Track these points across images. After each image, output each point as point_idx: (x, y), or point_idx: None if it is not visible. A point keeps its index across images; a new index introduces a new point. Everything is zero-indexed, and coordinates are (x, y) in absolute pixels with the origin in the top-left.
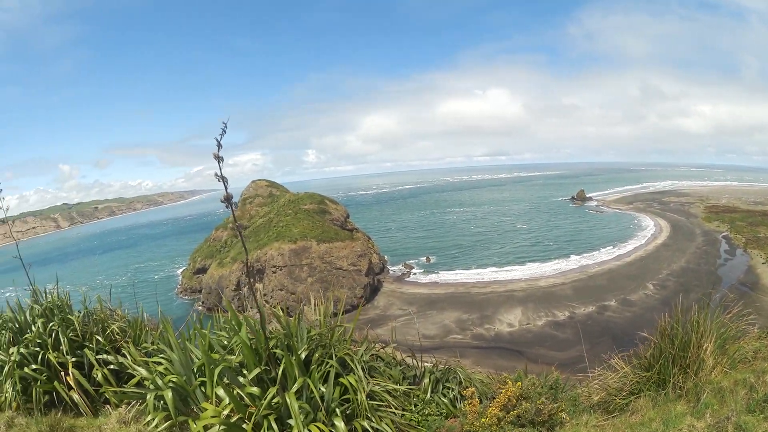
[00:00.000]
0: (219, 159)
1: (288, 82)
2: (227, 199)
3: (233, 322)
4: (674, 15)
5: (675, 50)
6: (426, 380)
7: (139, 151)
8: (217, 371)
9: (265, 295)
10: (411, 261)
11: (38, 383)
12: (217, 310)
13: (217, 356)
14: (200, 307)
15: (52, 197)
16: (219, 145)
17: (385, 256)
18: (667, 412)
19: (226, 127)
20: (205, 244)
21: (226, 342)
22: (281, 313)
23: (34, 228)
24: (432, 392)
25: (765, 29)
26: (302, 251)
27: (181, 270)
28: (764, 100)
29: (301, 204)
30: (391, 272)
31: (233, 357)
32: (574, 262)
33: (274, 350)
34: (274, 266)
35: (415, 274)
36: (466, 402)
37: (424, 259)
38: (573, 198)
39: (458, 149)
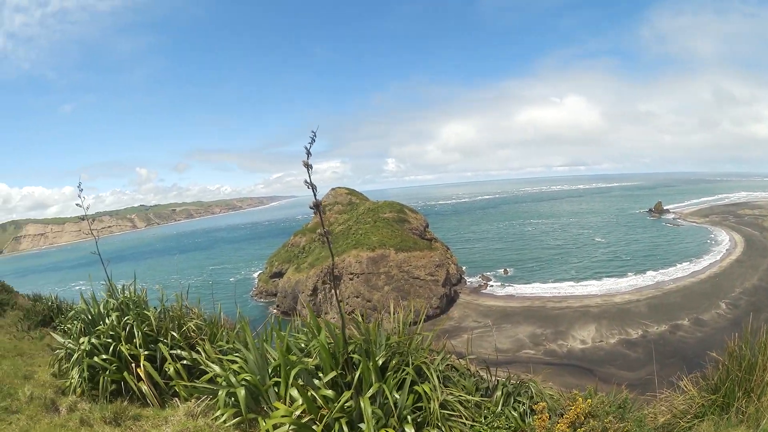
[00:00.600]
0: (308, 167)
1: (367, 91)
2: (316, 206)
3: (312, 326)
4: (738, 13)
5: (741, 50)
6: (498, 393)
7: (218, 157)
8: (293, 372)
9: (340, 301)
10: (488, 273)
11: (107, 372)
12: (292, 313)
13: (294, 358)
14: (275, 311)
15: (129, 198)
16: (308, 153)
17: (463, 267)
18: None
19: (315, 136)
20: (283, 249)
21: (303, 345)
22: (361, 319)
23: (109, 227)
24: (503, 405)
25: None
26: (380, 259)
27: (257, 273)
28: None
29: (380, 212)
30: (468, 283)
31: (309, 360)
32: (650, 278)
33: (352, 355)
34: (352, 273)
35: (491, 286)
36: (535, 417)
37: (501, 271)
38: (651, 210)
39: (538, 159)
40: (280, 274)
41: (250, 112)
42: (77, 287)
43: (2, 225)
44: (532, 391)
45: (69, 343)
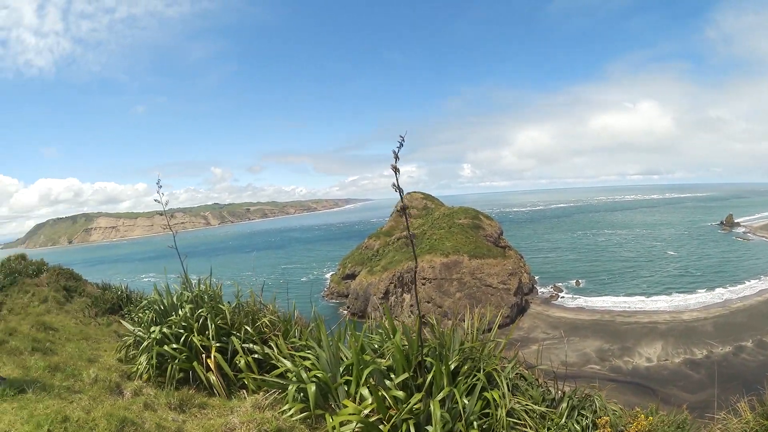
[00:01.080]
0: (396, 170)
1: (440, 96)
2: (403, 209)
3: (388, 327)
4: None
5: None
6: (564, 405)
7: (292, 159)
8: (366, 372)
9: (411, 305)
10: (560, 283)
11: (176, 361)
12: (363, 315)
13: (368, 357)
14: (345, 312)
15: (203, 197)
16: (396, 157)
17: (536, 277)
18: None
19: (403, 140)
20: (357, 251)
21: (376, 345)
22: (435, 323)
23: (183, 223)
24: (567, 418)
25: None
26: (453, 265)
27: (329, 274)
28: None
29: (455, 218)
30: (539, 293)
31: (383, 360)
32: (718, 295)
33: (426, 358)
34: (424, 278)
35: (563, 297)
36: (598, 431)
37: (573, 282)
38: (722, 223)
39: (612, 167)
40: (352, 276)
41: (324, 116)
42: (147, 279)
43: (73, 217)
44: (596, 406)
45: (139, 330)
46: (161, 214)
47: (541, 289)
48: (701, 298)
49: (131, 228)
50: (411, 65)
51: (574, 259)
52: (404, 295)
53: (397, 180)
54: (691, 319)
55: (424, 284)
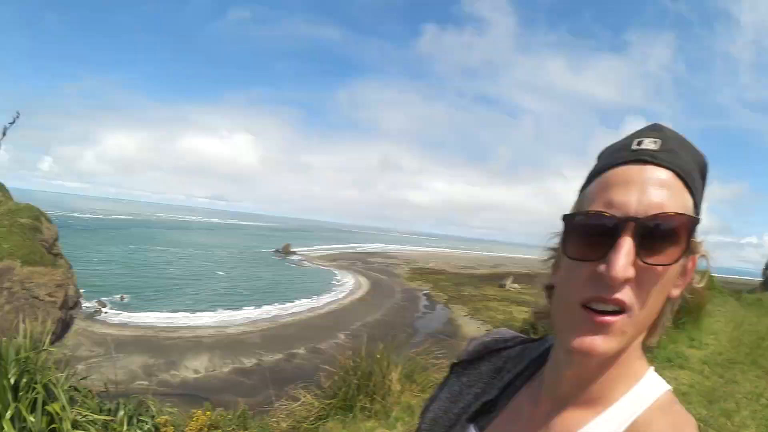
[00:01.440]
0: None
1: (59, 78)
2: None
3: None
4: (446, 102)
5: (431, 132)
6: (121, 413)
7: None
8: None
9: None
10: (105, 298)
11: None
12: None
13: None
14: None
15: None
16: (3, 134)
17: (81, 290)
18: (357, 429)
19: (18, 115)
20: None
21: None
22: None
23: None
24: (128, 425)
25: (532, 128)
26: (5, 272)
27: None
28: (504, 184)
29: (18, 216)
30: (83, 308)
31: None
32: (266, 311)
33: None
34: None
35: (106, 312)
36: (161, 429)
37: (118, 297)
38: (277, 250)
39: (183, 187)
40: None
41: None
42: None
43: None
44: (153, 411)
45: None
46: None
47: (86, 304)
48: (248, 314)
49: None
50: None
51: (123, 274)
52: None
53: None
54: (238, 332)
55: None
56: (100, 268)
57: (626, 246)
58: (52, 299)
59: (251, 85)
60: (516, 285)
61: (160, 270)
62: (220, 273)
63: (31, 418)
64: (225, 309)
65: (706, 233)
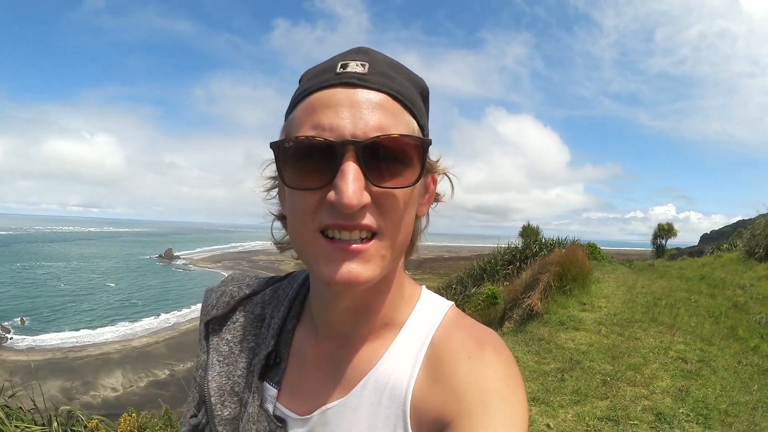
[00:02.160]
0: None
1: None
2: None
3: None
4: (272, 89)
5: (277, 123)
6: (55, 423)
7: None
8: None
9: None
10: (6, 323)
11: None
12: None
13: None
14: None
15: None
16: None
17: None
18: None
19: None
20: None
21: None
22: None
23: None
24: None
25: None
26: None
27: None
28: None
29: None
30: None
31: None
32: (165, 320)
33: None
34: None
35: (11, 339)
36: None
37: (18, 320)
38: (161, 256)
39: (55, 196)
40: None
41: None
42: None
43: None
44: (83, 420)
45: None
46: None
47: None
48: (148, 324)
49: None
50: None
51: (17, 295)
52: None
53: None
54: (143, 344)
55: None
56: None
57: (352, 171)
58: None
59: (107, 82)
60: (407, 272)
61: (50, 287)
62: (111, 284)
63: None
64: (124, 322)
65: (587, 210)
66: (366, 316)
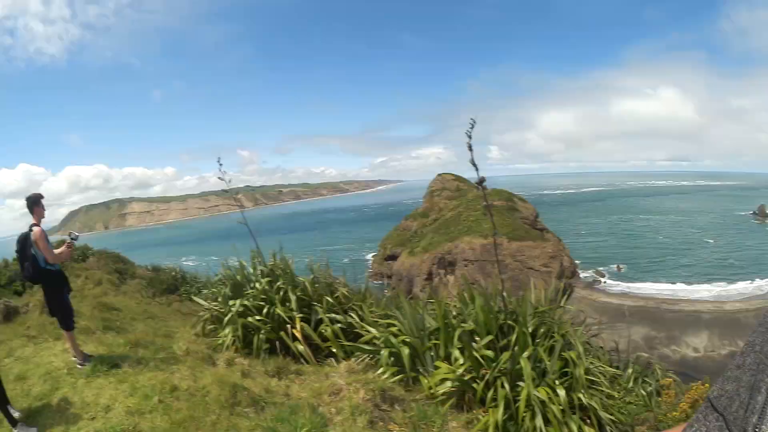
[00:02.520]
0: (470, 148)
1: (460, 78)
2: (480, 182)
3: (468, 294)
4: None
5: None
6: (630, 370)
7: (319, 140)
8: (456, 334)
9: (454, 287)
10: (602, 268)
11: (261, 332)
12: (409, 295)
13: (454, 322)
14: (388, 293)
15: (234, 180)
16: (469, 137)
17: (576, 261)
18: None
19: (474, 122)
20: (395, 232)
21: (454, 312)
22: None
23: (217, 206)
24: (634, 382)
25: None
26: (493, 247)
27: (371, 255)
28: None
29: (489, 199)
30: (582, 278)
31: (466, 324)
32: (758, 287)
33: (506, 321)
34: (466, 260)
35: (605, 282)
36: (663, 391)
37: (615, 267)
38: (755, 213)
39: (640, 152)
40: (393, 257)
41: (346, 98)
42: (187, 262)
43: (106, 203)
44: (658, 375)
45: (215, 305)
46: (227, 193)
47: (583, 274)
48: (742, 288)
49: (165, 212)
50: (426, 48)
51: (614, 245)
52: (448, 276)
53: (472, 155)
54: (734, 309)
55: (466, 265)
56: (590, 240)
57: None
58: (548, 269)
59: (635, 41)
60: None
61: (649, 239)
62: (709, 241)
63: (547, 360)
64: (720, 282)
65: None
66: None
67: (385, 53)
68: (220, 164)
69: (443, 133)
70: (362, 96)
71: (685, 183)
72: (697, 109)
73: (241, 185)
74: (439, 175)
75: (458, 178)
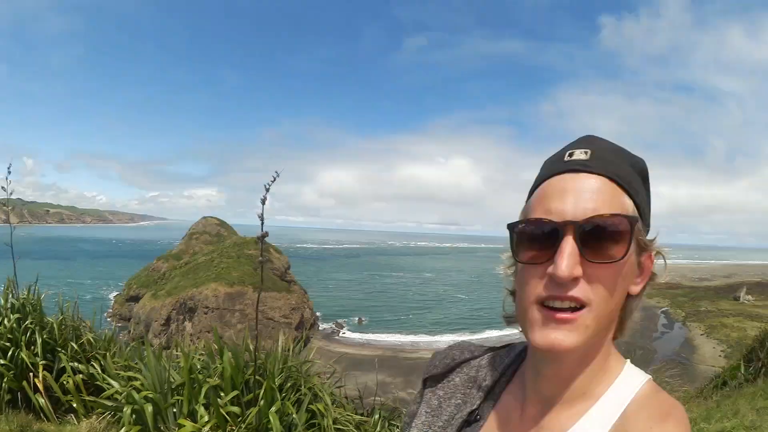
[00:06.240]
0: (263, 201)
1: (261, 124)
2: (262, 237)
3: (216, 347)
4: (649, 97)
5: (644, 131)
6: (376, 416)
7: (101, 163)
8: (203, 390)
9: (192, 335)
10: (342, 320)
11: (5, 380)
12: (142, 341)
13: (200, 377)
14: (124, 337)
15: (14, 190)
16: (267, 190)
17: (317, 313)
18: None
19: (278, 175)
20: (144, 272)
21: (199, 366)
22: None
23: None
24: (381, 426)
25: (738, 111)
26: (237, 296)
27: (113, 294)
28: (725, 182)
29: (246, 248)
30: (321, 329)
31: (211, 380)
32: (504, 334)
33: (253, 376)
34: (207, 307)
35: (344, 333)
36: None
37: (356, 320)
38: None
39: (411, 215)
40: (136, 299)
41: (148, 120)
42: None
43: None
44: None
45: None
46: None
47: (322, 325)
48: (487, 336)
49: None
50: (241, 86)
51: (360, 299)
52: (186, 323)
53: (263, 210)
54: None
55: (206, 313)
56: (336, 293)
57: (568, 247)
58: (287, 320)
59: (450, 111)
60: (749, 297)
61: (399, 295)
62: (461, 296)
63: (295, 413)
64: (465, 332)
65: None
66: (567, 384)
67: (200, 81)
68: (9, 171)
69: (222, 175)
70: (162, 122)
71: (448, 245)
72: (484, 180)
73: (15, 197)
74: (204, 217)
75: (221, 224)
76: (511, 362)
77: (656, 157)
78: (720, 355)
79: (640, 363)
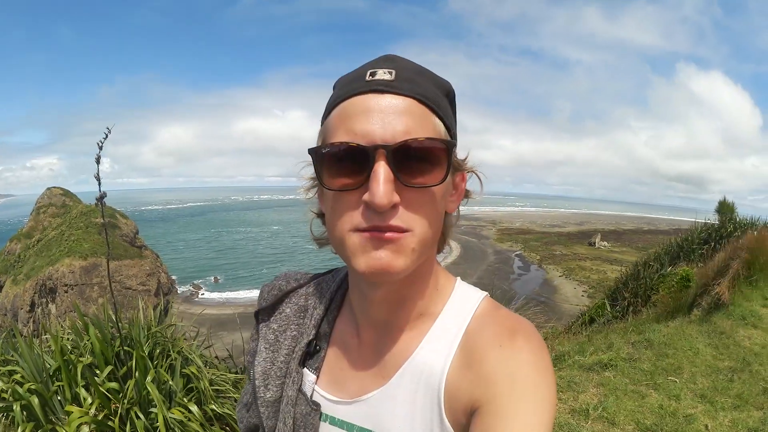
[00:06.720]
0: (98, 161)
1: (96, 82)
2: (100, 198)
3: (80, 324)
4: (492, 59)
5: (486, 89)
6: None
7: None
8: (79, 371)
9: (58, 317)
10: (199, 281)
11: None
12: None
13: (73, 357)
14: None
15: None
16: (100, 148)
17: (173, 276)
18: None
19: (109, 131)
20: None
21: (69, 345)
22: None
23: None
24: None
25: (587, 80)
26: (92, 269)
27: None
28: (572, 139)
29: (92, 216)
30: (180, 292)
31: (84, 358)
32: None
33: (122, 348)
34: (66, 285)
35: (203, 294)
36: None
37: (212, 279)
38: None
39: (251, 169)
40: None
41: None
42: None
43: None
44: None
45: None
46: None
47: (180, 288)
48: None
49: None
50: (81, 45)
51: (212, 257)
52: (50, 305)
53: (98, 171)
54: None
55: (66, 291)
56: (187, 254)
57: (383, 173)
58: (146, 287)
59: (288, 64)
60: (605, 243)
61: (248, 250)
62: (310, 247)
63: (170, 380)
64: None
65: None
66: (401, 307)
67: (34, 39)
68: None
69: (62, 141)
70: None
71: (291, 197)
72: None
73: None
74: (48, 189)
75: (66, 193)
76: (338, 287)
77: (498, 113)
78: (582, 295)
79: (502, 302)
